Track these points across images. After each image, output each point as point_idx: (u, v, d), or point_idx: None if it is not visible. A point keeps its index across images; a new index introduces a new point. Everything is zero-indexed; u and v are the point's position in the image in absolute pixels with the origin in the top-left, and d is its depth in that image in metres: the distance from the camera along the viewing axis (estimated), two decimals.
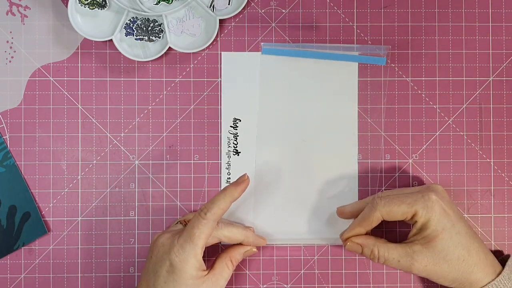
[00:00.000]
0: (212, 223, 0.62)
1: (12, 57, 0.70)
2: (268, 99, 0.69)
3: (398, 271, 0.70)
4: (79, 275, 0.69)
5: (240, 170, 0.70)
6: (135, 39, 0.69)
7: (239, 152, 0.70)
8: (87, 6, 0.68)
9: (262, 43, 0.69)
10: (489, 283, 0.62)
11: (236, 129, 0.70)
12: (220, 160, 0.70)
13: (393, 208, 0.63)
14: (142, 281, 0.63)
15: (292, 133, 0.69)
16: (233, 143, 0.70)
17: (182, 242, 0.61)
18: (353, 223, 0.66)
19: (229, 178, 0.70)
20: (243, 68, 0.69)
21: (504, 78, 0.70)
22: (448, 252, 0.62)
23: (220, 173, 0.70)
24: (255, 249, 0.67)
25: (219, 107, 0.70)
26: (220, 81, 0.70)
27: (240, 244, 0.67)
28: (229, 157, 0.70)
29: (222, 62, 0.70)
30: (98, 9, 0.68)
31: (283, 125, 0.69)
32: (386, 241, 0.65)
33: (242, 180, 0.64)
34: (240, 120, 0.70)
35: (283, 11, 0.70)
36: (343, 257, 0.70)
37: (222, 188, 0.66)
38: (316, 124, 0.69)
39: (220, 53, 0.70)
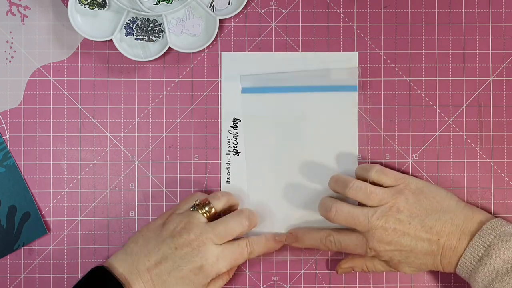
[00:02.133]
0: (245, 256, 0.66)
1: (12, 57, 0.70)
2: (267, 105, 0.69)
3: (398, 271, 0.70)
4: (79, 275, 0.69)
5: (240, 170, 0.70)
6: (135, 39, 0.69)
7: (239, 152, 0.70)
8: (87, 6, 0.68)
9: (240, 77, 0.69)
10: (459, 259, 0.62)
11: (236, 129, 0.70)
12: (220, 160, 0.70)
13: (349, 248, 0.66)
14: (138, 246, 0.63)
15: (291, 138, 0.70)
16: (233, 143, 0.70)
17: (225, 263, 0.63)
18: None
19: (229, 178, 0.70)
20: (243, 68, 0.69)
21: (504, 78, 0.70)
22: (416, 261, 0.64)
23: (220, 173, 0.70)
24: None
25: (219, 107, 0.70)
26: (220, 81, 0.70)
27: None
28: (229, 157, 0.70)
29: (222, 62, 0.70)
30: (98, 9, 0.68)
31: (283, 132, 0.70)
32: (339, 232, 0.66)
33: (279, 241, 0.68)
34: (240, 120, 0.70)
35: (283, 11, 0.70)
36: (343, 257, 0.70)
37: (267, 234, 0.68)
38: (317, 135, 0.70)
39: (220, 53, 0.70)
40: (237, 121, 0.70)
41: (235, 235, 0.65)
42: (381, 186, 0.65)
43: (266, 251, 0.67)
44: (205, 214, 0.65)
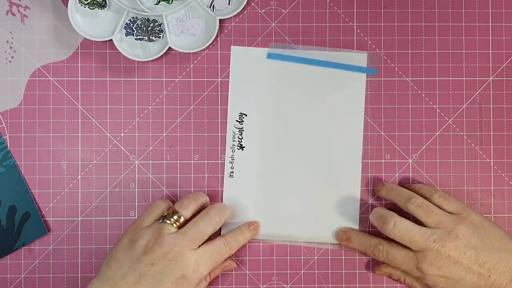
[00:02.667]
0: (225, 262, 0.67)
1: (12, 57, 0.70)
2: (274, 100, 0.69)
3: None
4: (79, 275, 0.69)
5: (243, 165, 0.70)
6: (135, 39, 0.69)
7: (244, 147, 0.70)
8: (87, 6, 0.68)
9: (269, 48, 0.69)
10: None
11: (242, 124, 0.70)
12: (223, 154, 0.70)
13: (395, 263, 0.65)
14: (112, 270, 0.62)
15: (296, 135, 0.69)
16: (238, 138, 0.70)
17: (205, 266, 0.63)
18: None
19: (232, 172, 0.70)
20: (252, 63, 0.69)
21: (504, 78, 0.70)
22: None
23: (220, 172, 0.70)
24: (235, 265, 0.68)
25: (219, 107, 0.70)
26: (220, 81, 0.70)
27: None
28: (233, 151, 0.70)
29: (231, 56, 0.69)
30: (98, 9, 0.68)
31: (288, 128, 0.69)
32: (390, 240, 0.65)
33: (255, 227, 0.68)
34: (246, 115, 0.70)
35: (283, 11, 0.70)
36: (343, 257, 0.70)
37: (241, 226, 0.68)
38: (321, 132, 0.69)
39: (230, 48, 0.70)
40: (243, 116, 0.70)
41: (209, 234, 0.65)
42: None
43: (244, 242, 0.67)
44: (174, 224, 0.64)
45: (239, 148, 0.70)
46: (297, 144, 0.70)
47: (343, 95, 0.69)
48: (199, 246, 0.64)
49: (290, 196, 0.70)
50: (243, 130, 0.70)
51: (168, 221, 0.64)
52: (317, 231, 0.69)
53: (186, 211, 0.65)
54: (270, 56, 0.69)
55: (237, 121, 0.70)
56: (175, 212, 0.65)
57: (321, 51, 0.69)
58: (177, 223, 0.64)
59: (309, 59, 0.69)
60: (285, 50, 0.70)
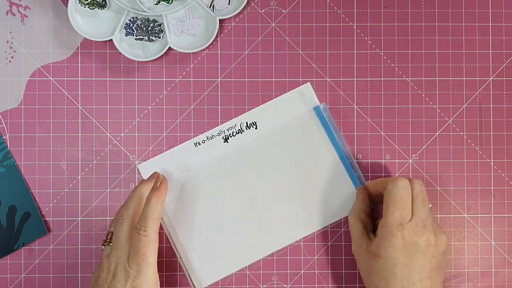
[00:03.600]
0: (155, 237, 0.63)
1: (12, 57, 0.70)
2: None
3: None
4: (79, 275, 0.69)
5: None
6: (135, 39, 0.69)
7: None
8: (87, 6, 0.68)
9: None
10: None
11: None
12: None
13: (390, 193, 0.63)
14: None
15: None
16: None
17: (136, 266, 0.62)
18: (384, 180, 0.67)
19: None
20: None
21: (504, 78, 0.70)
22: (373, 276, 0.63)
23: None
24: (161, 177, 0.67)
25: (219, 107, 0.70)
26: (220, 81, 0.70)
27: None
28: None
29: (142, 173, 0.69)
30: (98, 9, 0.68)
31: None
32: (366, 214, 0.67)
33: (159, 181, 0.66)
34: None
35: (283, 11, 0.70)
36: (343, 257, 0.70)
37: (146, 199, 0.65)
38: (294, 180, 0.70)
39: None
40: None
41: (126, 237, 0.63)
42: None
43: (154, 212, 0.64)
44: (109, 243, 0.64)
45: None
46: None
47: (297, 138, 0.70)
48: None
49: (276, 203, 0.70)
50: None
51: (105, 244, 0.64)
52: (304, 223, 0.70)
53: (115, 227, 0.64)
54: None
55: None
56: (109, 232, 0.65)
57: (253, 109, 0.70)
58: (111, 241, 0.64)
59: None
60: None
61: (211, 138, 0.69)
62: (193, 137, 0.70)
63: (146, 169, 0.69)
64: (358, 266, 0.66)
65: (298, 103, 0.70)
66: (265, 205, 0.69)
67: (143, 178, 0.69)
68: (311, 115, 0.69)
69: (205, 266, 0.69)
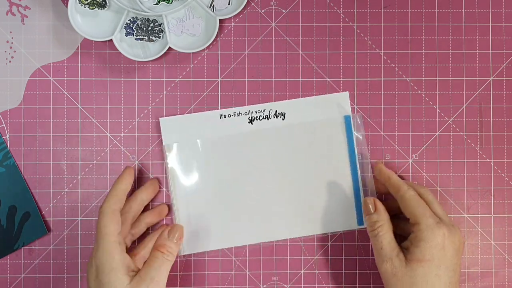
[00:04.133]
0: (112, 215, 0.62)
1: (12, 57, 0.70)
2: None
3: None
4: (79, 275, 0.69)
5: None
6: (135, 39, 0.69)
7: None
8: (87, 6, 0.68)
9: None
10: None
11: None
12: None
13: (413, 202, 0.63)
14: None
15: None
16: None
17: (96, 245, 0.61)
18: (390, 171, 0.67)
19: None
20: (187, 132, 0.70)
21: (504, 78, 0.70)
22: (417, 282, 0.61)
23: None
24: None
25: (219, 107, 0.70)
26: (220, 81, 0.70)
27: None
28: None
29: (161, 127, 0.69)
30: (98, 9, 0.68)
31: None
32: (391, 226, 0.64)
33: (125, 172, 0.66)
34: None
35: (283, 11, 0.70)
36: (343, 257, 0.70)
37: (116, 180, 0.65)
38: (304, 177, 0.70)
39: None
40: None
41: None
42: None
43: (117, 188, 0.64)
44: None
45: None
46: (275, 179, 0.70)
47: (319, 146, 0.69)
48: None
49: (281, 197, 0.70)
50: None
51: None
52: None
53: None
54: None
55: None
56: None
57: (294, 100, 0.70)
58: None
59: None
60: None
61: (238, 115, 0.69)
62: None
63: (167, 124, 0.69)
64: (394, 285, 0.62)
65: (331, 108, 0.69)
66: (270, 194, 0.69)
67: (162, 132, 0.68)
68: (341, 123, 0.69)
69: (194, 234, 0.68)
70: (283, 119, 0.69)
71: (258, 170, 0.69)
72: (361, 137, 0.69)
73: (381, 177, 0.67)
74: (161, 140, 0.70)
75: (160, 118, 0.69)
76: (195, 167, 0.69)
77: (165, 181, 0.69)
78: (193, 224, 0.69)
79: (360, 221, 0.69)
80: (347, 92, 0.70)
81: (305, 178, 0.69)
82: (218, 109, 0.70)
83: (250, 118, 0.69)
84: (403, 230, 0.66)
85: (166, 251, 0.62)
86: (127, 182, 0.65)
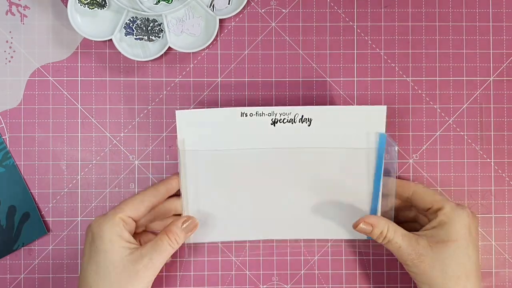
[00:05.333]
0: (138, 202, 0.63)
1: (11, 57, 0.69)
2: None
3: (399, 271, 0.70)
4: (79, 275, 0.69)
5: None
6: (135, 39, 0.68)
7: None
8: (86, 6, 0.67)
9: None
10: None
11: None
12: None
13: (428, 191, 0.64)
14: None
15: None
16: None
17: (103, 215, 0.62)
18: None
19: None
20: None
21: (505, 78, 0.70)
22: (449, 264, 0.61)
23: None
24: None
25: (219, 107, 0.70)
26: (220, 81, 0.70)
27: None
28: None
29: (177, 120, 0.67)
30: (98, 9, 0.68)
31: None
32: (395, 225, 0.63)
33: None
34: None
35: (283, 11, 0.70)
36: (343, 257, 0.70)
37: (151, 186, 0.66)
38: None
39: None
40: None
41: None
42: None
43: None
44: None
45: None
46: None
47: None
48: None
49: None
50: None
51: None
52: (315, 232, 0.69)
53: None
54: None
55: None
56: None
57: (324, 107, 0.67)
58: None
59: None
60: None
61: (260, 115, 0.66)
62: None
63: (183, 116, 0.66)
64: (425, 273, 0.61)
65: (363, 120, 0.66)
66: (280, 196, 0.67)
67: (178, 125, 0.66)
68: (371, 139, 0.66)
69: (201, 225, 0.67)
70: (309, 126, 0.66)
71: (273, 174, 0.67)
72: (391, 160, 0.66)
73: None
74: (161, 140, 0.70)
75: (176, 112, 0.66)
76: (209, 163, 0.67)
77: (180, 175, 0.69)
78: (202, 215, 0.67)
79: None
80: (385, 107, 0.66)
81: (320, 190, 0.67)
82: (218, 108, 0.70)
83: (273, 120, 0.66)
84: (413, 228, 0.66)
85: (173, 238, 0.62)
86: (161, 193, 0.65)
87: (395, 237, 0.62)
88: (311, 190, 0.67)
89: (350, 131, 0.66)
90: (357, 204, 0.67)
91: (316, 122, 0.66)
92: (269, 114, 0.66)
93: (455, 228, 0.61)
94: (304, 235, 0.69)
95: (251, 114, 0.66)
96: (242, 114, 0.66)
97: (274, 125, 0.66)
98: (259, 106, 0.70)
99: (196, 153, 0.67)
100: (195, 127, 0.66)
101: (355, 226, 0.63)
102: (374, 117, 0.66)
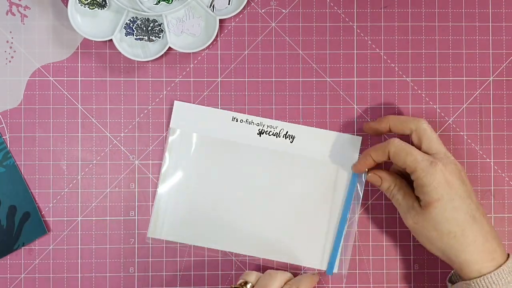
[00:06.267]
0: None
1: (12, 57, 0.70)
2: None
3: (398, 271, 0.70)
4: (79, 275, 0.69)
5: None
6: (135, 39, 0.69)
7: None
8: (87, 6, 0.67)
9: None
10: (488, 273, 0.60)
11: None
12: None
13: (401, 153, 0.63)
14: None
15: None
16: None
17: None
18: (365, 152, 0.66)
19: None
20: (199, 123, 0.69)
21: (504, 78, 0.70)
22: (439, 223, 0.61)
23: None
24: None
25: (219, 107, 0.70)
26: (220, 81, 0.70)
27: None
28: None
29: (173, 111, 0.69)
30: (98, 9, 0.68)
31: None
32: (403, 182, 0.65)
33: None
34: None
35: (283, 11, 0.70)
36: (343, 257, 0.70)
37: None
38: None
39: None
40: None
41: None
42: None
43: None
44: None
45: None
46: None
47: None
48: None
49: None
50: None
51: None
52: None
53: (250, 277, 0.65)
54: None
55: None
56: (244, 282, 0.65)
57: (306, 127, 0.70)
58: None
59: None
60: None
61: (249, 123, 0.69)
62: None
63: (179, 108, 0.69)
64: (422, 233, 0.63)
65: (341, 147, 0.69)
66: (256, 209, 0.69)
67: (173, 115, 0.69)
68: (347, 167, 0.69)
69: (171, 223, 0.68)
70: (291, 142, 0.69)
71: (252, 184, 0.69)
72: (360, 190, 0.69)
73: (369, 131, 0.68)
74: (161, 140, 0.70)
75: (175, 101, 0.69)
76: (190, 158, 0.69)
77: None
78: (168, 211, 0.69)
79: (329, 270, 0.69)
80: (360, 138, 0.69)
81: (294, 210, 0.69)
82: (218, 108, 0.70)
83: (260, 130, 0.69)
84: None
85: None
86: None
87: (398, 194, 0.65)
88: (282, 209, 0.69)
89: (328, 156, 0.69)
90: (321, 231, 0.69)
91: (298, 141, 0.69)
92: (258, 124, 0.69)
93: (433, 188, 0.61)
94: (263, 255, 0.69)
95: (241, 121, 0.69)
96: (233, 119, 0.69)
97: (260, 135, 0.69)
98: (259, 106, 0.70)
99: (180, 143, 0.69)
100: (187, 120, 0.69)
101: (357, 170, 0.67)
102: (351, 146, 0.69)
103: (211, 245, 0.69)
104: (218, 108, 0.70)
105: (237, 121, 0.69)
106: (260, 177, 0.69)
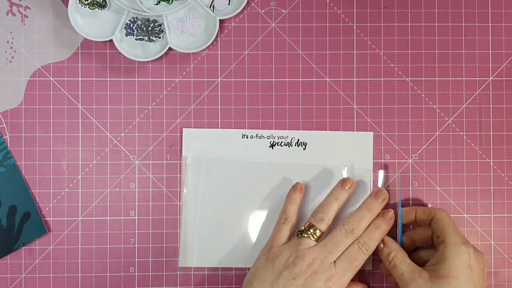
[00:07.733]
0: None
1: (12, 57, 0.70)
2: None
3: None
4: (79, 275, 0.69)
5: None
6: (135, 39, 0.69)
7: None
8: (87, 6, 0.68)
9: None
10: None
11: None
12: None
13: (445, 220, 0.64)
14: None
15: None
16: None
17: (342, 272, 0.63)
18: (412, 207, 0.67)
19: None
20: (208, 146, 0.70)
21: (504, 78, 0.70)
22: None
23: None
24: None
25: (219, 107, 0.70)
26: (220, 81, 0.70)
27: None
28: None
29: (184, 138, 0.70)
30: (98, 9, 0.68)
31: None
32: (405, 253, 0.65)
33: (390, 215, 0.66)
34: None
35: (283, 11, 0.70)
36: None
37: (375, 225, 0.65)
38: None
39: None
40: None
41: (346, 247, 0.64)
42: None
43: (381, 238, 0.65)
44: (312, 237, 0.64)
45: None
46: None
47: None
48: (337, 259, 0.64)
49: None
50: None
51: (306, 235, 0.64)
52: None
53: (321, 225, 0.65)
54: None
55: None
56: (311, 225, 0.65)
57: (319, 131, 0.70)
58: (315, 236, 0.64)
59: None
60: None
61: (260, 138, 0.69)
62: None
63: (189, 135, 0.69)
64: None
65: (356, 147, 0.70)
66: (266, 225, 0.69)
67: (184, 142, 0.69)
68: (363, 166, 0.69)
69: (199, 249, 0.69)
70: (304, 149, 0.69)
71: (272, 198, 0.69)
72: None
73: (409, 216, 0.67)
74: (162, 140, 0.70)
75: (183, 129, 0.69)
76: (208, 182, 0.69)
77: (179, 194, 0.69)
78: (196, 239, 0.69)
79: None
80: (371, 133, 0.70)
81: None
82: (218, 108, 0.70)
83: (271, 143, 0.69)
84: (425, 256, 0.67)
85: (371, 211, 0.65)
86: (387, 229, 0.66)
87: (401, 263, 0.64)
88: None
89: (341, 157, 0.70)
90: None
91: (311, 147, 0.69)
92: (268, 137, 0.69)
93: (456, 265, 0.61)
94: None
95: (251, 136, 0.69)
96: (243, 136, 0.69)
97: (272, 148, 0.69)
98: (259, 106, 0.70)
99: (197, 169, 0.69)
100: (199, 145, 0.69)
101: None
102: (364, 143, 0.70)
103: (239, 265, 0.69)
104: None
105: (247, 137, 0.69)
106: (276, 191, 0.69)
